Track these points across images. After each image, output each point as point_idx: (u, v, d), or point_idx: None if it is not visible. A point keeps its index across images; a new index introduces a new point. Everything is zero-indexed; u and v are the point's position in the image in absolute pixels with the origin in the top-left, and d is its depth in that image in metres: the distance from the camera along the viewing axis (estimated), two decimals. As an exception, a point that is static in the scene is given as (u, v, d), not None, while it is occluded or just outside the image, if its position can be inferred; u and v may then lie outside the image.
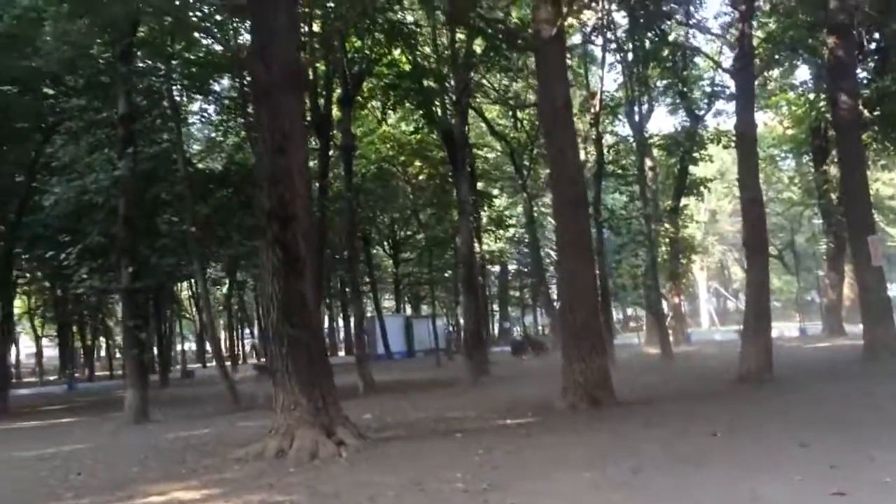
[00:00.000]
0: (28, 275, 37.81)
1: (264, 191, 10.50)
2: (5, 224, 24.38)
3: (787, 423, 9.50)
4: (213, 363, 51.09)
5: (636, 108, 27.36)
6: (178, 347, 54.34)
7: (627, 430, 9.89)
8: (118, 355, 52.52)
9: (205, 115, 27.26)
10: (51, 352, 55.79)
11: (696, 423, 9.95)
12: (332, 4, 19.09)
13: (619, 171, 27.15)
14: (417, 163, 33.18)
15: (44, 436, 15.19)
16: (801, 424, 9.31)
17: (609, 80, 40.57)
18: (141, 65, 19.46)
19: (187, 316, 51.53)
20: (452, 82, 22.66)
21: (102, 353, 58.21)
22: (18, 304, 40.45)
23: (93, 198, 17.61)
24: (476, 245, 25.32)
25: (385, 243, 47.32)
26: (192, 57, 19.89)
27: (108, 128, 19.35)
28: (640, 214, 26.34)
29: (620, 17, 23.05)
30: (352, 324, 40.43)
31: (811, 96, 29.44)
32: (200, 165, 27.39)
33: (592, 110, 25.99)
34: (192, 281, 37.54)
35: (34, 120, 20.64)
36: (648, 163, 29.01)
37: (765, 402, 12.15)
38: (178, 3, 14.52)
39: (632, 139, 27.90)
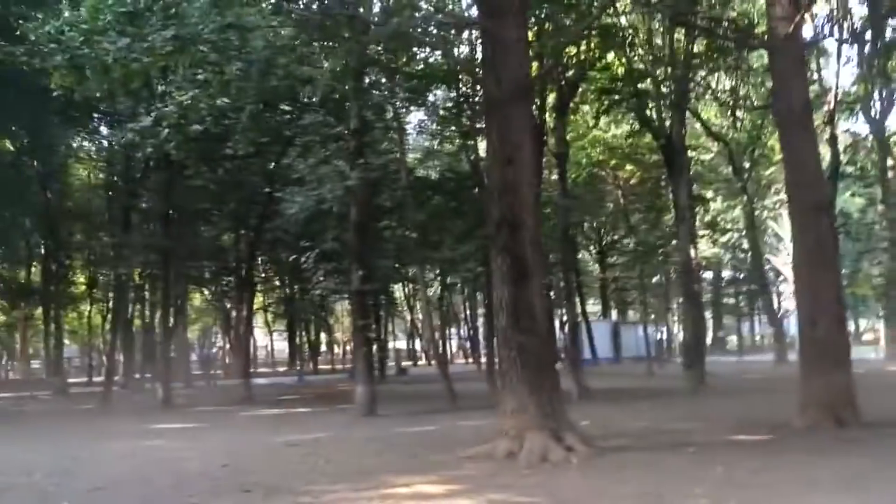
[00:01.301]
0: (263, 274, 41.74)
1: (494, 200, 10.84)
2: (248, 229, 27.09)
3: None
4: (423, 361, 53.25)
5: (875, 104, 25.08)
6: (391, 345, 57.26)
7: (882, 453, 9.16)
8: (336, 350, 56.44)
9: (423, 124, 28.55)
10: (278, 345, 60.94)
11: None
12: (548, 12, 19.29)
13: (857, 173, 24.90)
14: (629, 167, 32.53)
15: (285, 423, 16.62)
16: None
17: (845, 73, 37.45)
18: (368, 80, 20.71)
19: (400, 315, 54.11)
20: (670, 85, 21.95)
21: (324, 348, 62.72)
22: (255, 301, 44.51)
23: (329, 206, 19.05)
24: (692, 251, 24.31)
25: (591, 247, 46.76)
26: (412, 71, 20.88)
27: (338, 141, 20.78)
28: (883, 219, 24.09)
29: (857, 4, 21.20)
30: (557, 327, 40.37)
31: None
32: (418, 174, 28.60)
33: (826, 108, 24.10)
34: (404, 283, 39.39)
35: (273, 135, 22.72)
36: (891, 162, 26.45)
37: None
38: (411, 29, 15.17)
39: (871, 137, 25.58)
